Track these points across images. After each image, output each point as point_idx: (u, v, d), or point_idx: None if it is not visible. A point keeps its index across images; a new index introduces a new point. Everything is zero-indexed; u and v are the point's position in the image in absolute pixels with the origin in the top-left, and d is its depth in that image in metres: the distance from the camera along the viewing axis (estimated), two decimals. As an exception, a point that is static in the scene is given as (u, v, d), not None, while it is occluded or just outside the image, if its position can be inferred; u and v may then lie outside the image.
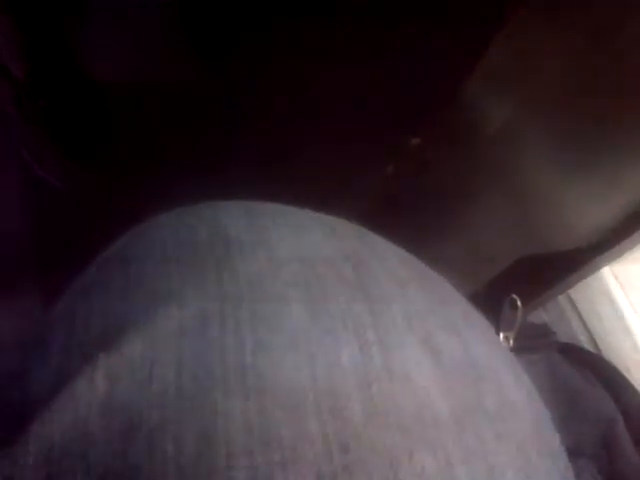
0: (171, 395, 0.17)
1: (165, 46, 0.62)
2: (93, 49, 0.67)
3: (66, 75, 0.71)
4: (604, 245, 0.53)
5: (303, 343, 0.18)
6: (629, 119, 0.40)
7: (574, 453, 0.32)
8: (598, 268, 0.59)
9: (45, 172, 0.75)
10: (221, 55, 0.51)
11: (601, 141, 0.43)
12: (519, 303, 0.40)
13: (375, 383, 0.18)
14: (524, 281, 0.55)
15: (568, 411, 0.35)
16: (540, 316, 0.68)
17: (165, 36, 0.62)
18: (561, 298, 0.70)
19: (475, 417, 0.19)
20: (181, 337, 0.18)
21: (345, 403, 0.17)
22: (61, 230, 0.67)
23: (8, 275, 0.67)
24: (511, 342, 0.39)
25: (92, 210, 0.66)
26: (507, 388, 0.21)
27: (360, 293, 0.20)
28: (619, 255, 0.55)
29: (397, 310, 0.20)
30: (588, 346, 0.65)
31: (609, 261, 0.57)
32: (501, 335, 0.39)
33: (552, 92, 0.39)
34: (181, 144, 0.55)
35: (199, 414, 0.16)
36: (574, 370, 0.40)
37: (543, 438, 0.22)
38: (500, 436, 0.19)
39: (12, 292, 0.66)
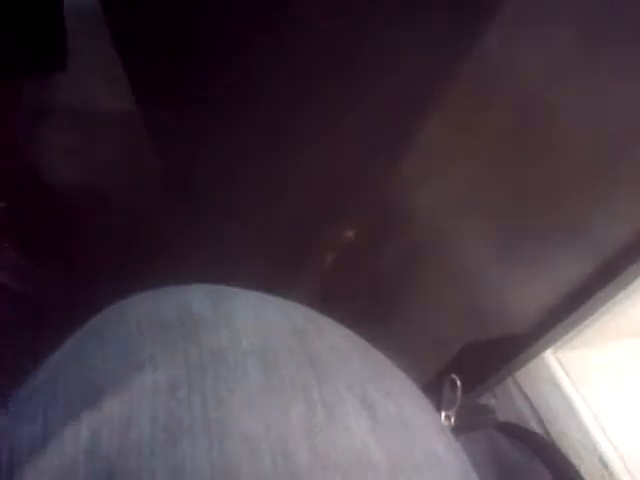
0: (146, 442, 0.20)
1: (122, 150, 0.65)
2: (50, 153, 0.70)
3: (24, 177, 0.73)
4: (542, 329, 0.56)
5: (259, 402, 0.21)
6: (562, 206, 0.43)
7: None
8: (539, 352, 0.61)
9: (5, 274, 0.76)
10: (180, 157, 0.54)
11: (537, 228, 0.46)
12: (458, 383, 0.42)
13: (319, 433, 0.21)
14: (469, 364, 0.57)
15: (507, 486, 0.37)
16: (490, 402, 0.69)
17: (122, 141, 0.65)
18: (510, 383, 0.72)
19: (406, 464, 0.22)
20: (154, 396, 0.21)
21: (294, 448, 0.20)
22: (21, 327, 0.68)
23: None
24: (452, 420, 0.41)
25: (51, 308, 0.67)
26: (434, 444, 0.24)
27: (307, 362, 0.24)
28: (557, 339, 0.58)
29: (339, 376, 0.24)
30: (538, 430, 0.66)
31: (549, 345, 0.60)
32: (443, 414, 0.41)
33: (483, 179, 0.42)
34: (136, 243, 0.58)
35: (170, 457, 0.19)
36: (513, 446, 0.41)
37: None
38: None
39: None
